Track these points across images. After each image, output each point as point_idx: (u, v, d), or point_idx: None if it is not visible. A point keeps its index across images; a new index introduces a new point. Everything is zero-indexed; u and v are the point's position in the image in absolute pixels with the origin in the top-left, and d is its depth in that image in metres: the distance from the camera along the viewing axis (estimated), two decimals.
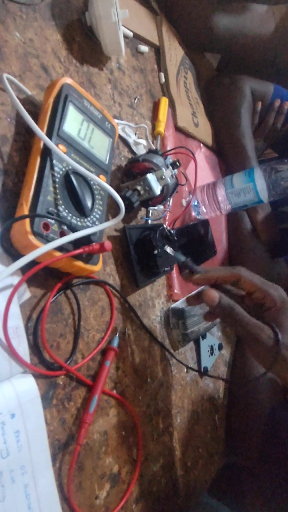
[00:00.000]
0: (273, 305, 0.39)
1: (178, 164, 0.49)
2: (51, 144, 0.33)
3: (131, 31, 0.61)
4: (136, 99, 0.59)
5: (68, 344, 0.36)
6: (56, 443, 0.33)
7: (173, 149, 0.60)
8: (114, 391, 0.41)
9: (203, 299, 0.40)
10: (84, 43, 0.49)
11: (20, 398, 0.29)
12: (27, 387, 0.30)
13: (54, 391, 0.34)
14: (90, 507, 0.35)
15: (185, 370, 0.56)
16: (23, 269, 0.30)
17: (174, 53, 0.73)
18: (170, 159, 0.50)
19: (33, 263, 0.30)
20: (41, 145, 0.33)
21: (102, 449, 0.38)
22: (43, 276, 0.35)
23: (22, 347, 0.31)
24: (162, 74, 0.68)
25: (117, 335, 0.42)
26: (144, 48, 0.64)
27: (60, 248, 0.32)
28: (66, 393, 0.35)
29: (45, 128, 0.35)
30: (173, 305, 0.54)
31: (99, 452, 0.38)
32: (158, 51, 0.70)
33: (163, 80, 0.68)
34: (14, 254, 0.31)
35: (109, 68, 0.54)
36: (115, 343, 0.41)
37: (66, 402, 0.35)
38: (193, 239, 0.66)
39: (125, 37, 0.60)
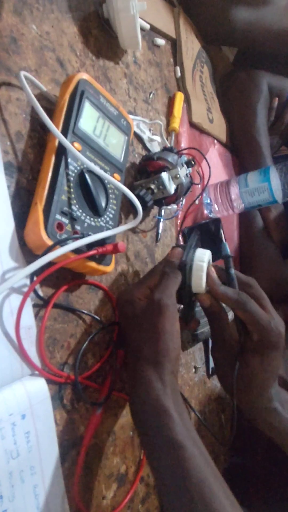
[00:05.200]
0: (262, 342, 0.38)
1: (193, 163, 0.49)
2: (66, 143, 0.32)
3: (148, 23, 0.60)
4: (152, 94, 0.57)
5: (78, 344, 0.36)
6: (65, 444, 0.33)
7: (188, 148, 0.59)
8: (123, 392, 0.41)
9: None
10: (101, 36, 0.48)
11: (31, 399, 0.29)
12: (38, 388, 0.30)
13: (64, 391, 0.34)
14: (97, 507, 0.35)
15: (193, 370, 0.55)
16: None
17: (191, 46, 0.71)
18: (185, 158, 0.49)
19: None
20: (56, 143, 0.33)
21: (110, 449, 0.38)
22: (54, 275, 0.35)
23: (33, 349, 0.31)
24: (178, 68, 0.67)
25: None
26: (160, 41, 0.62)
27: (74, 249, 0.32)
28: (75, 393, 0.35)
29: (61, 125, 0.34)
30: None
31: (107, 452, 0.38)
32: (175, 44, 0.68)
33: (179, 74, 0.66)
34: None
35: (125, 62, 0.52)
36: None
37: (75, 402, 0.35)
38: (204, 238, 0.65)
39: (142, 29, 0.59)
